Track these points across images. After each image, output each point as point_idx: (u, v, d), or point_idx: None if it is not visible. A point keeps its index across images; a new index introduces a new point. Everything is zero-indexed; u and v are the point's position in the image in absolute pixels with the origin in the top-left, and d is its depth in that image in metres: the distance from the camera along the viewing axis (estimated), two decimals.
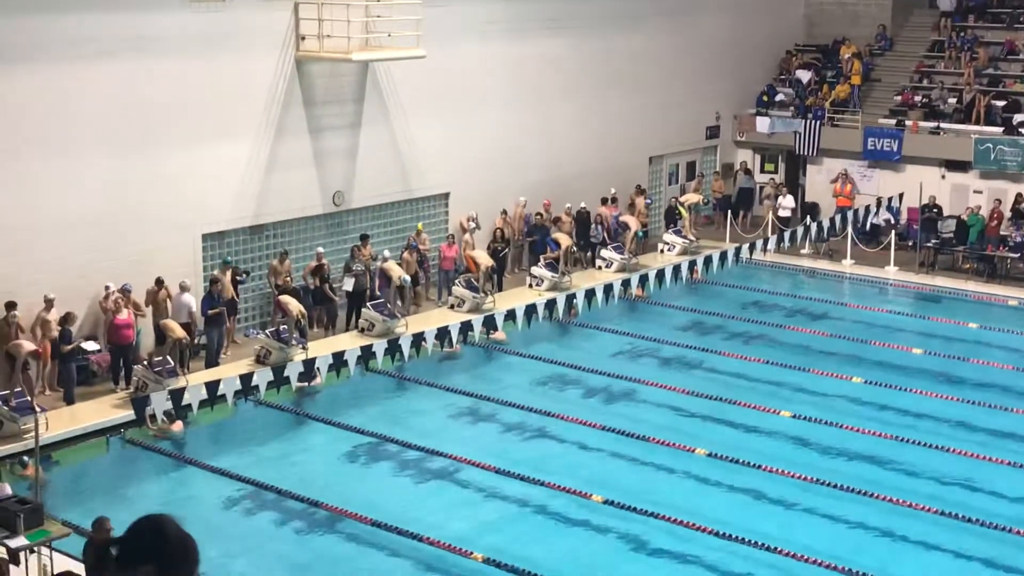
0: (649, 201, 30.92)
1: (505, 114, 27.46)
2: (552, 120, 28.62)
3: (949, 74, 33.25)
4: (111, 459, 18.18)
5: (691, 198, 30.94)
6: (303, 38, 22.97)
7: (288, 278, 22.60)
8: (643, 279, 22.43)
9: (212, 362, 20.99)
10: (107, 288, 20.22)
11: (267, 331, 21.72)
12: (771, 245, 25.14)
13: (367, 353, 18.44)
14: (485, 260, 25.13)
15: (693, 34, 32.35)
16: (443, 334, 19.34)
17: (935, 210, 29.67)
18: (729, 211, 31.52)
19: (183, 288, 20.93)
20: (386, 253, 24.06)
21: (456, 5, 25.84)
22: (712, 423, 19.27)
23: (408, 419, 19.48)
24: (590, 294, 21.33)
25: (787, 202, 31.49)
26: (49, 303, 19.28)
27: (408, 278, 23.70)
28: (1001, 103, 31.32)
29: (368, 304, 23.09)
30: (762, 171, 34.23)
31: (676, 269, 22.78)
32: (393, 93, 25.00)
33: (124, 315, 19.95)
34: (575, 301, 21.64)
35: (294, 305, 21.53)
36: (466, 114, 26.50)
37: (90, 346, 19.75)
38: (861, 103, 33.24)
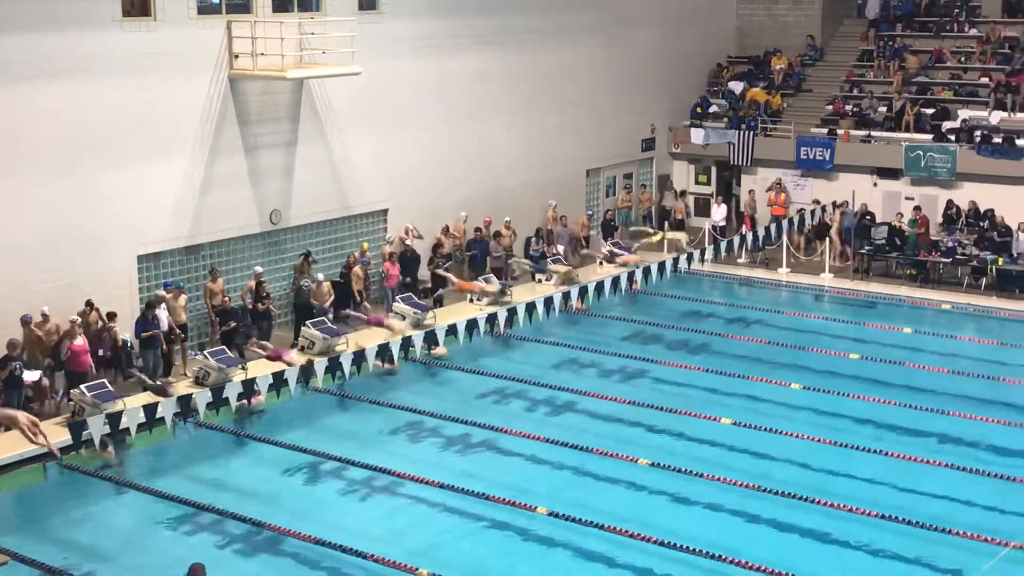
0: (591, 213, 31.16)
1: (442, 129, 27.50)
2: (489, 135, 28.72)
3: (878, 83, 33.82)
4: (49, 486, 17.87)
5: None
6: (236, 56, 22.84)
7: (226, 298, 22.43)
8: (583, 291, 22.51)
9: (149, 385, 20.77)
10: (43, 313, 19.98)
11: (205, 352, 21.52)
12: (708, 255, 25.34)
13: (307, 371, 18.32)
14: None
15: (626, 47, 32.62)
16: (384, 351, 19.28)
17: (868, 217, 30.13)
18: (667, 223, 31.81)
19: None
20: (320, 276, 23.96)
21: (390, 22, 25.87)
22: (654, 432, 19.39)
23: (351, 437, 19.38)
24: (531, 307, 21.37)
25: (719, 212, 31.85)
26: None
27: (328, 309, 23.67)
28: (930, 111, 31.90)
29: (307, 323, 22.97)
30: (696, 182, 34.60)
31: (615, 281, 22.90)
32: (329, 110, 24.93)
33: (80, 341, 19.70)
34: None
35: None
36: (402, 130, 26.51)
37: (31, 375, 19.41)
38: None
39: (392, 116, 26.22)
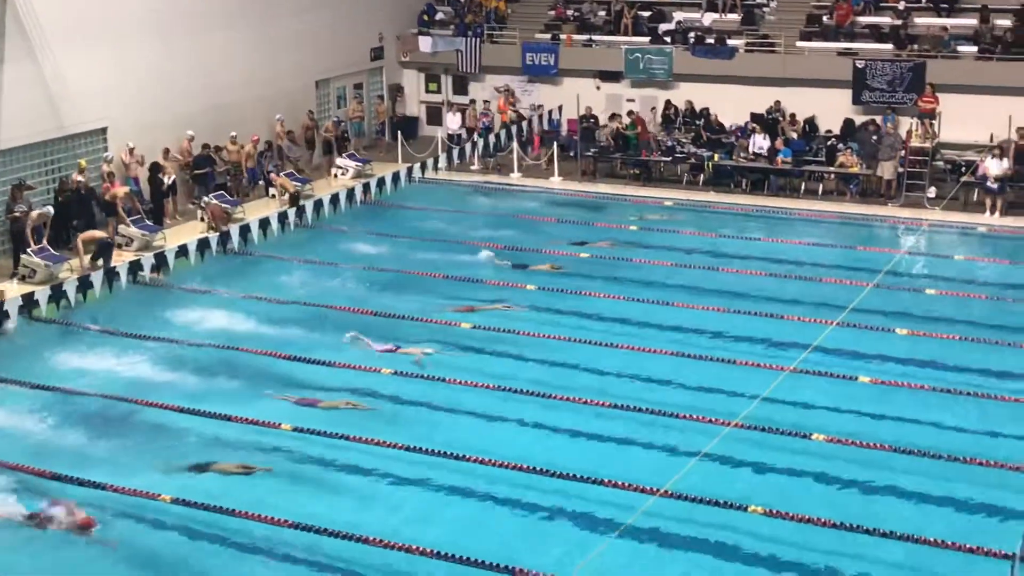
0: (337, 119, 31.05)
1: (161, 42, 26.45)
2: (212, 47, 27.82)
3: None
4: None
5: None
6: None
7: None
8: (318, 204, 22.37)
9: None
10: None
11: None
12: (442, 163, 25.58)
13: (29, 301, 17.52)
14: (122, 191, 24.31)
15: None
16: (112, 274, 18.65)
17: (592, 120, 31.02)
18: (399, 132, 31.81)
19: None
20: (49, 210, 22.87)
21: None
22: (395, 341, 19.57)
23: (79, 368, 18.67)
24: (264, 223, 21.12)
25: (454, 120, 32.08)
26: None
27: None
28: (647, 13, 32.92)
29: (28, 250, 21.90)
30: (426, 91, 34.67)
31: (350, 192, 22.84)
32: (36, 25, 23.55)
33: None
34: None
35: None
36: (119, 45, 25.35)
37: None
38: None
39: (108, 30, 25.01)
